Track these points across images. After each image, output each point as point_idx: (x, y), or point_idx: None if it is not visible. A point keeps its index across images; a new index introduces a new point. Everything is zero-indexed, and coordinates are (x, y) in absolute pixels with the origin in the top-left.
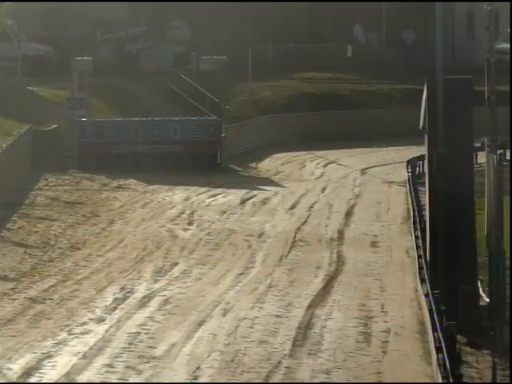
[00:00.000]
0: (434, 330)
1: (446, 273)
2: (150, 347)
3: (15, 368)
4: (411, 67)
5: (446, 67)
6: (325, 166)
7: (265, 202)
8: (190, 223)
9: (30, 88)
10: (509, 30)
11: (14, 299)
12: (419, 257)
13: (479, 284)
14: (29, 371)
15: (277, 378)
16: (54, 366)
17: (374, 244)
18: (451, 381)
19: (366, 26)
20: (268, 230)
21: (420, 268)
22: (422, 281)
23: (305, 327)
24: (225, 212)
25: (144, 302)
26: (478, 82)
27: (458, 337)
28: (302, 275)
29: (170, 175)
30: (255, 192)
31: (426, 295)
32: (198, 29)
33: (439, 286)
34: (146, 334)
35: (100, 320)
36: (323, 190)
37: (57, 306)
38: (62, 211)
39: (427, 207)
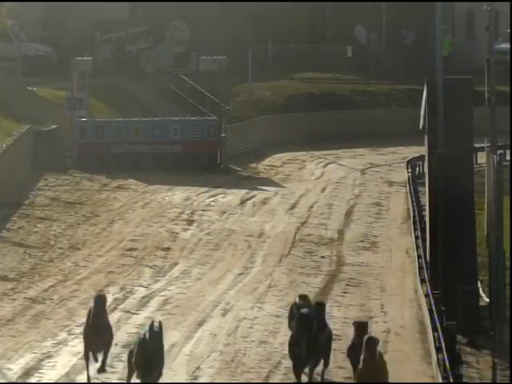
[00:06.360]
0: (434, 330)
1: (446, 273)
2: None
3: (15, 368)
4: (411, 67)
5: (446, 67)
6: (325, 166)
7: (265, 202)
8: (190, 223)
9: (29, 88)
10: (509, 30)
11: (14, 299)
12: (419, 257)
13: (479, 284)
14: (29, 371)
15: (277, 377)
16: (53, 366)
17: (373, 244)
18: (451, 381)
19: (366, 26)
20: (268, 230)
21: (420, 268)
22: (422, 281)
23: None
24: (225, 212)
25: (144, 302)
26: (478, 81)
27: (458, 337)
28: (302, 275)
29: (170, 175)
30: (255, 192)
31: (426, 295)
32: (197, 29)
33: (439, 286)
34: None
35: None
36: (323, 190)
37: (57, 306)
38: (62, 211)
39: (427, 207)
